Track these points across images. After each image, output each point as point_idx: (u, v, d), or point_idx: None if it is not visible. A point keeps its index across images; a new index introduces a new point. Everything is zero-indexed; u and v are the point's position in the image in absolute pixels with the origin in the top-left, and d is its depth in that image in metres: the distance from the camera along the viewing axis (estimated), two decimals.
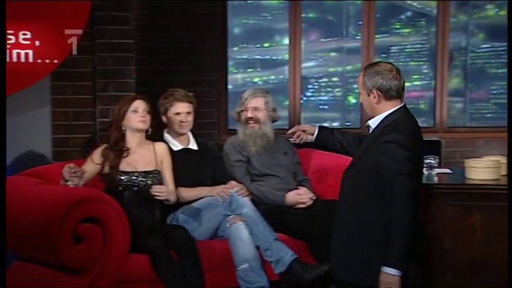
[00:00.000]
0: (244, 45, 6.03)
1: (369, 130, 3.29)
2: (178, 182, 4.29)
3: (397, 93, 3.18)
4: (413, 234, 3.05)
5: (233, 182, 4.34)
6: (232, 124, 5.54)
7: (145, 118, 4.12)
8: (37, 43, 4.60)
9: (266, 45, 6.08)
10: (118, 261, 3.80)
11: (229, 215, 4.19)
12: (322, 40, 6.12)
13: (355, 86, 6.06)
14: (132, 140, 4.16)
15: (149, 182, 4.07)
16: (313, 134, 3.79)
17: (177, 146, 4.47)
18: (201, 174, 4.45)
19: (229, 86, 5.85)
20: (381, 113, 3.20)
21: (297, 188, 4.55)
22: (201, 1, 5.50)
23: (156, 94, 4.56)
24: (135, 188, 4.03)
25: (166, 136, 4.48)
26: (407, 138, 3.08)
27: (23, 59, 4.58)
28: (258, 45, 6.07)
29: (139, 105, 4.14)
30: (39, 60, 4.62)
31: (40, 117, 4.84)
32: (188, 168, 4.40)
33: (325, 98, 6.13)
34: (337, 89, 6.17)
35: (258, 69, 6.10)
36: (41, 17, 4.59)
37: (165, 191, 4.02)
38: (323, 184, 4.71)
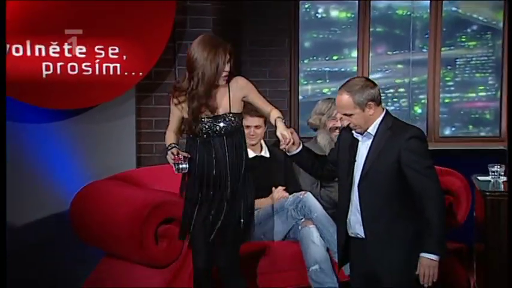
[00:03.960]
0: (314, 58, 6.04)
1: (351, 143, 3.28)
2: (255, 188, 4.30)
3: (381, 98, 3.27)
4: None
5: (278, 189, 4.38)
6: (303, 132, 5.54)
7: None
8: (124, 57, 4.70)
9: (335, 58, 6.07)
10: None
11: (301, 219, 4.20)
12: (389, 53, 6.08)
13: (420, 96, 6.00)
14: None
15: (216, 127, 3.50)
16: (298, 145, 3.49)
17: (251, 153, 4.48)
18: (273, 180, 4.47)
19: (300, 97, 5.88)
20: (375, 120, 3.23)
21: None
22: (274, 17, 5.54)
23: None
24: (204, 136, 3.52)
25: None
26: (423, 133, 3.22)
27: (111, 72, 4.69)
28: (327, 58, 6.07)
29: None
30: (126, 73, 4.72)
31: (126, 125, 4.93)
32: (261, 174, 4.42)
33: (392, 108, 6.07)
34: (403, 100, 6.11)
35: (327, 81, 6.09)
36: (128, 33, 4.69)
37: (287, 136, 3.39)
38: None
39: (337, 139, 3.48)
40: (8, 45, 4.44)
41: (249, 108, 4.42)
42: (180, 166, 3.43)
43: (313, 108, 4.74)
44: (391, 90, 6.09)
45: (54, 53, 4.56)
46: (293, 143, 3.38)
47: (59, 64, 4.58)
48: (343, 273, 4.05)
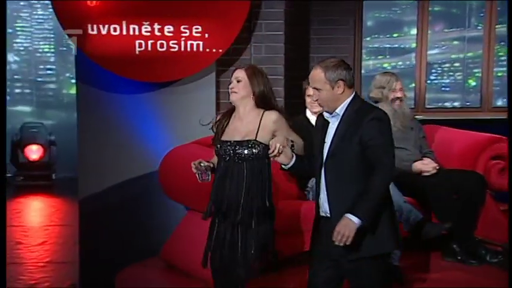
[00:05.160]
0: (376, 35, 5.93)
1: (323, 124, 3.03)
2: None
3: (353, 82, 3.02)
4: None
5: None
6: None
7: (235, 89, 3.28)
8: (206, 35, 4.71)
9: (395, 35, 5.98)
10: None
11: None
12: (446, 30, 5.91)
13: (475, 70, 5.82)
14: (237, 110, 3.35)
15: (239, 152, 3.23)
16: (290, 159, 3.11)
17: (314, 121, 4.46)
18: None
19: (363, 71, 5.79)
20: (343, 101, 2.97)
21: (422, 159, 4.42)
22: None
23: (301, 78, 4.55)
24: (227, 158, 3.26)
25: (308, 113, 4.50)
26: (386, 115, 2.96)
27: (195, 49, 4.71)
28: (388, 36, 5.96)
29: (233, 76, 3.34)
30: (208, 50, 4.73)
31: (207, 96, 4.93)
32: None
33: (447, 81, 5.96)
34: (458, 73, 5.98)
35: (388, 56, 6.00)
36: (210, 14, 4.69)
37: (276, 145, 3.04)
38: (446, 155, 4.55)
39: (315, 125, 3.18)
40: (107, 26, 4.54)
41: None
42: (202, 177, 3.25)
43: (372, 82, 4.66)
44: (447, 65, 5.97)
45: (145, 32, 4.62)
46: (280, 153, 3.04)
47: (149, 42, 4.63)
48: (402, 230, 3.99)
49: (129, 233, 4.71)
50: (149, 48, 4.62)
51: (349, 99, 2.97)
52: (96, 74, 4.70)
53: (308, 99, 4.44)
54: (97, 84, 4.74)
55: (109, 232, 4.69)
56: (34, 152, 9.04)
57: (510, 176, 3.98)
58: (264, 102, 3.27)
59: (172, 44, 4.66)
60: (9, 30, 9.56)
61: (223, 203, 3.23)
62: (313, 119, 4.45)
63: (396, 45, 5.93)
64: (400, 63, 5.99)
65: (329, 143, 2.98)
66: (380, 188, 2.84)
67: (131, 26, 4.59)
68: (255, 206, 3.20)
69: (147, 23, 4.60)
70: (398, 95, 4.47)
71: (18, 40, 9.69)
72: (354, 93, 3.00)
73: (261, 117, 3.24)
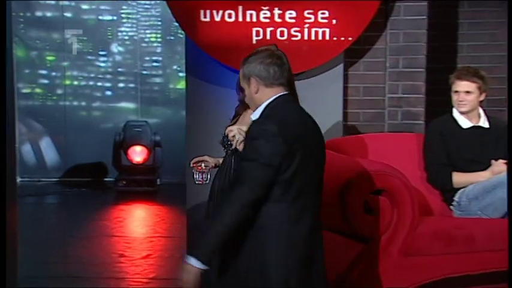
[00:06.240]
0: None
1: None
2: (471, 160, 4.22)
3: (277, 80, 2.80)
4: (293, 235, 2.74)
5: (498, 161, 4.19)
6: None
7: None
8: (333, 21, 4.71)
9: None
10: (406, 234, 3.80)
11: None
12: None
13: None
14: None
15: (228, 143, 3.52)
16: None
17: (466, 123, 4.36)
18: (492, 153, 4.29)
19: None
20: (262, 103, 2.81)
21: None
22: None
23: (446, 71, 4.46)
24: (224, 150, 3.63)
25: (455, 112, 4.39)
26: (272, 125, 2.69)
27: (320, 37, 4.72)
28: None
29: None
30: (335, 38, 4.74)
31: (333, 92, 4.93)
32: (480, 146, 4.28)
33: None
34: None
35: None
36: None
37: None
38: None
39: None
40: (221, 12, 4.67)
41: (460, 72, 4.29)
42: (198, 177, 3.48)
43: None
44: None
45: (264, 18, 4.70)
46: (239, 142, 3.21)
47: (268, 29, 4.71)
48: None
49: None
50: (268, 37, 4.69)
51: (267, 102, 2.82)
52: (207, 67, 4.85)
53: (455, 97, 4.34)
54: (208, 78, 4.88)
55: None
56: (138, 154, 9.37)
57: (510, 175, 3.82)
58: None
59: (294, 31, 4.71)
60: (113, 18, 10.06)
61: (212, 193, 3.54)
62: (461, 119, 4.35)
63: None
64: None
65: None
66: (223, 221, 2.72)
67: (248, 12, 4.69)
68: None
69: (266, 8, 4.68)
70: None
71: (122, 29, 10.12)
72: (277, 95, 2.81)
73: None
